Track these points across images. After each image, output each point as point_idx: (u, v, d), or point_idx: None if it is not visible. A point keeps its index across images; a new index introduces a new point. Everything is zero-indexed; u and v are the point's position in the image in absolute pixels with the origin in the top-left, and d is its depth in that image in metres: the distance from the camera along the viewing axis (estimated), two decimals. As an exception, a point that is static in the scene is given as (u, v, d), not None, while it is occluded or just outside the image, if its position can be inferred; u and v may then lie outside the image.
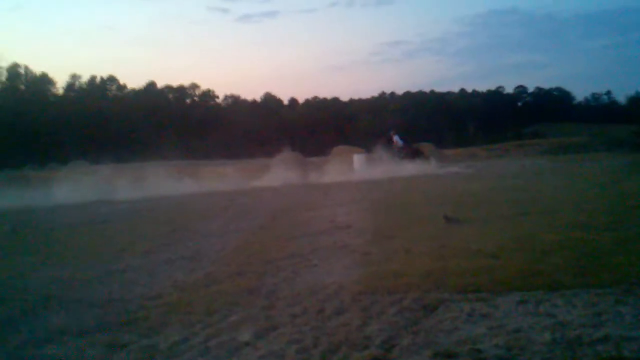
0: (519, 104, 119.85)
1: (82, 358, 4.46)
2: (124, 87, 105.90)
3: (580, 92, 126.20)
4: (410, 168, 29.24)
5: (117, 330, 5.00)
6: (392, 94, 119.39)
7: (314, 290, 5.94)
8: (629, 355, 3.80)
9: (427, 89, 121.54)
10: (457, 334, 4.38)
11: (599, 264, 6.13)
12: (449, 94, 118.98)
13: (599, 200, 12.31)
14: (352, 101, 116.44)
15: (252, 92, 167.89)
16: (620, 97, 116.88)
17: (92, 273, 7.52)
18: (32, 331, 5.14)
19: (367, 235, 9.22)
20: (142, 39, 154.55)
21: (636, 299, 4.95)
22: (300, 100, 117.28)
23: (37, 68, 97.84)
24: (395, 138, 34.51)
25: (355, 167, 32.59)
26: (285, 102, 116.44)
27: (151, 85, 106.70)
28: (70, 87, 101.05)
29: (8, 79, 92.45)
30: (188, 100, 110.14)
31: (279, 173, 28.59)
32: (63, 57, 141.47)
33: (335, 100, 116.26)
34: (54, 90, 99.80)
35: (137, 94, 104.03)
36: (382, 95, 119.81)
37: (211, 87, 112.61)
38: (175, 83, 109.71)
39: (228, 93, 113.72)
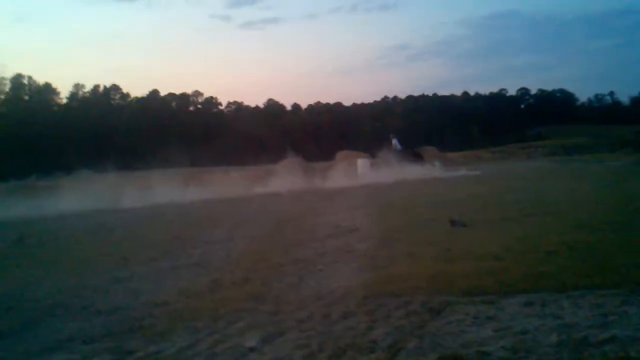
0: (522, 106, 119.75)
1: (89, 365, 4.48)
2: (127, 95, 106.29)
3: (583, 94, 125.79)
4: (414, 172, 29.23)
5: (124, 337, 5.01)
6: (395, 97, 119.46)
7: (320, 295, 5.94)
8: (635, 356, 3.78)
9: (430, 93, 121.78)
10: (463, 337, 4.37)
11: (604, 265, 6.11)
12: (452, 97, 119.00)
13: (603, 201, 12.28)
14: (355, 106, 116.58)
15: (255, 99, 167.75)
16: (624, 98, 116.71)
17: (98, 281, 7.54)
18: (39, 339, 5.17)
19: (373, 240, 9.21)
20: (145, 47, 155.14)
21: (643, 299, 4.93)
22: (303, 105, 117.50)
23: (40, 78, 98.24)
24: (394, 142, 34.56)
25: (359, 172, 32.57)
26: (288, 107, 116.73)
27: (154, 93, 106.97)
28: (73, 96, 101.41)
29: (12, 89, 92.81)
30: (191, 108, 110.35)
31: (283, 179, 28.61)
32: (66, 66, 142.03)
33: (338, 105, 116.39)
34: (57, 99, 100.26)
35: (140, 102, 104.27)
36: (385, 99, 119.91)
37: (214, 94, 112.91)
38: (178, 91, 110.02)
39: (231, 100, 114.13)
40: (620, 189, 15.36)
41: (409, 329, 4.66)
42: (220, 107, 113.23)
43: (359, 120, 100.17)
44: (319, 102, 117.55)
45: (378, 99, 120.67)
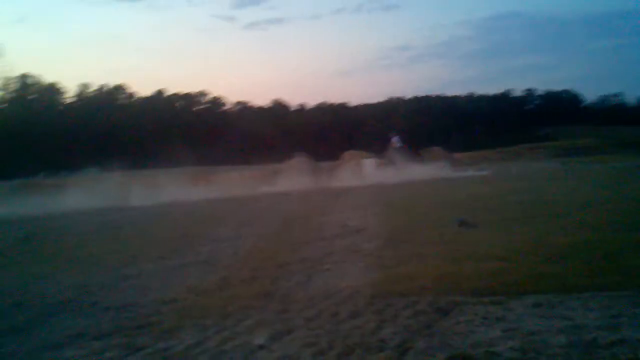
0: (527, 107, 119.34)
1: (99, 361, 4.51)
2: (132, 95, 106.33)
3: (589, 94, 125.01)
4: (421, 172, 29.25)
5: (133, 334, 5.03)
6: (400, 98, 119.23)
7: (328, 293, 5.95)
8: (645, 358, 3.78)
9: (434, 93, 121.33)
10: (472, 337, 4.37)
11: (612, 266, 6.11)
12: (456, 97, 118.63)
13: (610, 202, 12.26)
14: (360, 106, 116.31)
15: (260, 99, 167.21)
16: (630, 99, 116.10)
17: (107, 278, 7.57)
18: (50, 334, 5.20)
19: (380, 239, 9.21)
20: (150, 47, 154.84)
21: (652, 301, 4.93)
22: (309, 105, 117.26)
23: (46, 78, 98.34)
24: (394, 139, 34.55)
25: (365, 171, 32.56)
26: (294, 107, 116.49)
27: (159, 93, 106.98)
28: (79, 96, 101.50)
29: (18, 89, 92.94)
30: (197, 108, 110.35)
31: (289, 178, 28.64)
32: (72, 66, 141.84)
33: (343, 105, 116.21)
34: (63, 99, 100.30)
35: (145, 102, 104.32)
36: (390, 100, 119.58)
37: (220, 95, 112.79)
38: (183, 91, 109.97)
39: (236, 100, 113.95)
40: (625, 190, 15.32)
41: (418, 328, 4.66)
42: (226, 107, 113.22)
43: (365, 121, 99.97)
44: (324, 103, 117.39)
45: (383, 99, 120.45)
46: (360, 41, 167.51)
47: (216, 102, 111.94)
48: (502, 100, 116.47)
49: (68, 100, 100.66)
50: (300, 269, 7.35)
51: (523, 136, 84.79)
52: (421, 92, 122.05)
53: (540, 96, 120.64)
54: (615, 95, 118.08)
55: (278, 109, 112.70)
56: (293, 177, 28.63)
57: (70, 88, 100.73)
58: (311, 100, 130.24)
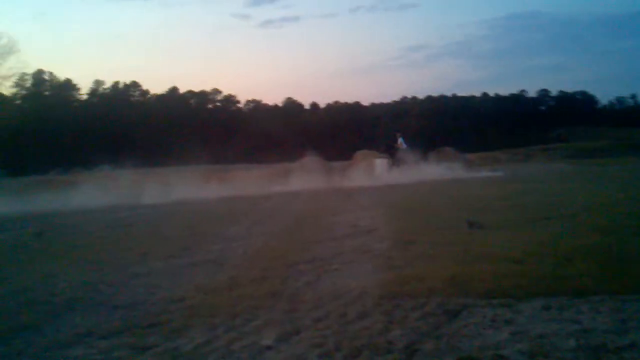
0: (542, 107, 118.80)
1: (107, 359, 4.52)
2: (146, 92, 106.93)
3: (604, 96, 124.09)
4: (434, 172, 29.20)
5: (142, 333, 5.05)
6: (414, 98, 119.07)
7: (337, 294, 5.94)
8: (655, 363, 3.76)
9: (448, 93, 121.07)
10: (480, 340, 4.36)
11: (624, 269, 6.06)
12: (470, 98, 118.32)
13: (624, 205, 12.17)
14: (373, 105, 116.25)
15: (273, 97, 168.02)
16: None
17: (116, 276, 7.60)
18: (59, 333, 5.22)
19: (390, 240, 9.19)
20: (164, 45, 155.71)
21: (663, 305, 4.89)
22: (322, 104, 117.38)
23: (61, 74, 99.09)
24: (400, 140, 34.47)
25: (377, 171, 32.50)
26: (307, 106, 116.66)
27: (173, 91, 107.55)
28: (94, 92, 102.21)
29: (33, 85, 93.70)
30: (210, 106, 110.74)
31: (301, 177, 28.62)
32: (87, 63, 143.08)
33: (357, 104, 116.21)
34: (78, 96, 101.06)
35: (159, 99, 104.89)
36: (404, 99, 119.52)
37: (233, 92, 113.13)
38: (197, 88, 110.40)
39: (249, 98, 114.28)
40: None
41: (426, 330, 4.65)
42: (239, 105, 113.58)
43: (378, 120, 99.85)
44: (337, 102, 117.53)
45: (397, 99, 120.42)
46: (375, 40, 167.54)
47: (229, 100, 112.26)
48: (516, 101, 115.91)
49: (82, 97, 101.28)
50: (309, 269, 7.35)
51: (537, 137, 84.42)
52: (435, 92, 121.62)
53: (555, 97, 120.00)
54: (632, 96, 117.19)
55: (291, 108, 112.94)
56: (304, 177, 28.60)
57: (84, 85, 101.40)
58: (325, 99, 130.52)
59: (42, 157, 62.43)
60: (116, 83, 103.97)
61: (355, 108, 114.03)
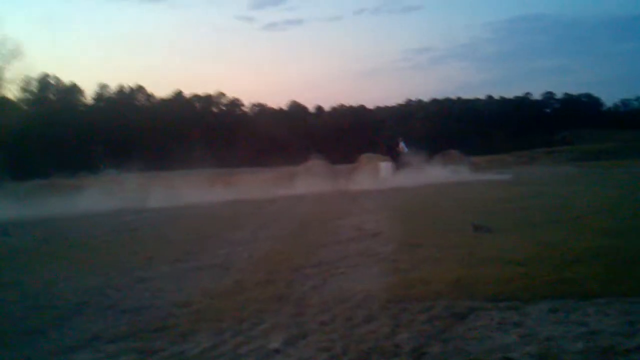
0: (547, 110, 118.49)
1: (114, 364, 4.53)
2: (151, 96, 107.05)
3: (609, 98, 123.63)
4: (439, 175, 29.18)
5: (148, 337, 5.05)
6: (419, 101, 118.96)
7: (343, 298, 5.94)
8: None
9: (453, 96, 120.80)
10: (487, 343, 4.35)
11: (631, 272, 6.05)
12: (476, 100, 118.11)
13: (630, 207, 12.16)
14: (378, 109, 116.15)
15: (278, 100, 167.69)
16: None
17: (123, 281, 7.61)
18: (66, 337, 5.23)
19: (395, 243, 9.19)
20: (168, 48, 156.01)
21: (670, 307, 4.87)
22: (326, 107, 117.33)
23: (66, 78, 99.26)
24: (402, 145, 34.48)
25: (382, 174, 32.49)
26: (311, 109, 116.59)
27: (178, 94, 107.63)
28: (99, 96, 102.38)
29: (39, 89, 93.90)
30: (215, 109, 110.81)
31: (306, 181, 28.60)
32: (92, 66, 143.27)
33: (361, 107, 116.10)
34: (83, 100, 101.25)
35: (164, 103, 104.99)
36: (409, 102, 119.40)
37: (237, 96, 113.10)
38: (201, 92, 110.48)
39: (254, 101, 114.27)
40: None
41: (433, 333, 4.64)
42: (243, 109, 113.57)
43: (382, 123, 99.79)
44: (342, 105, 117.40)
45: (401, 101, 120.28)
46: (380, 43, 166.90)
47: (234, 104, 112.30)
48: (521, 104, 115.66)
49: (87, 101, 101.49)
50: (315, 273, 7.35)
51: (541, 140, 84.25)
52: (440, 95, 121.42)
53: (560, 100, 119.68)
54: (637, 98, 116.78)
55: (296, 111, 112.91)
56: (309, 180, 28.57)
57: (89, 89, 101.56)
58: (329, 102, 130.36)
59: (48, 161, 62.49)
60: (121, 87, 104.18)
61: (359, 111, 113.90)
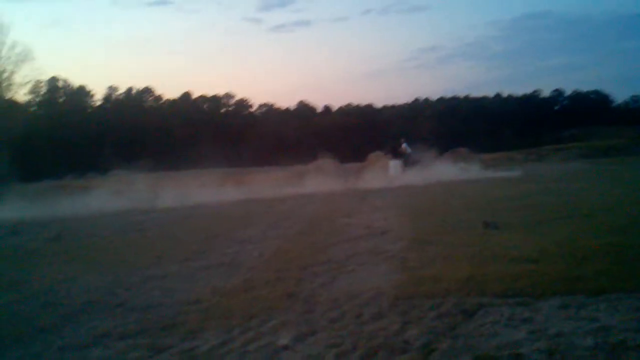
0: (556, 107, 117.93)
1: (124, 361, 4.55)
2: (160, 97, 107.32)
3: (619, 95, 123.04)
4: (449, 173, 29.10)
5: (158, 334, 5.08)
6: (427, 99, 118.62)
7: (352, 295, 5.94)
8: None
9: (461, 95, 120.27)
10: (497, 339, 4.34)
11: (641, 268, 6.02)
12: (484, 98, 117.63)
13: (638, 204, 12.08)
14: (386, 108, 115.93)
15: (286, 101, 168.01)
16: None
17: (132, 279, 7.64)
18: (76, 334, 5.27)
19: (405, 241, 9.17)
20: (176, 50, 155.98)
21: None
22: (334, 107, 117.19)
23: (75, 80, 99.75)
24: (404, 145, 34.41)
25: (391, 173, 32.43)
26: (319, 109, 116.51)
27: (187, 96, 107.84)
28: (107, 98, 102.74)
29: (48, 92, 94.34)
30: (223, 110, 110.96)
31: (315, 180, 28.57)
32: (101, 69, 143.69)
33: (369, 107, 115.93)
34: (92, 102, 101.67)
35: (173, 104, 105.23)
36: (417, 101, 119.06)
37: (245, 96, 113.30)
38: (210, 93, 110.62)
39: (262, 102, 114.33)
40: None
41: (442, 330, 4.64)
42: (252, 109, 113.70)
43: (391, 122, 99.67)
44: (349, 104, 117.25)
45: (409, 101, 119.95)
46: (387, 42, 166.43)
47: (242, 105, 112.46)
48: (531, 101, 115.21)
49: (96, 103, 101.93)
50: (324, 271, 7.35)
51: (551, 137, 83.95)
52: (448, 94, 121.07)
53: (569, 97, 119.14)
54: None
55: (304, 111, 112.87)
56: (319, 179, 28.55)
57: (98, 91, 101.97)
58: (337, 102, 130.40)
59: (57, 162, 62.84)
60: (130, 89, 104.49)
61: (367, 110, 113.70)
